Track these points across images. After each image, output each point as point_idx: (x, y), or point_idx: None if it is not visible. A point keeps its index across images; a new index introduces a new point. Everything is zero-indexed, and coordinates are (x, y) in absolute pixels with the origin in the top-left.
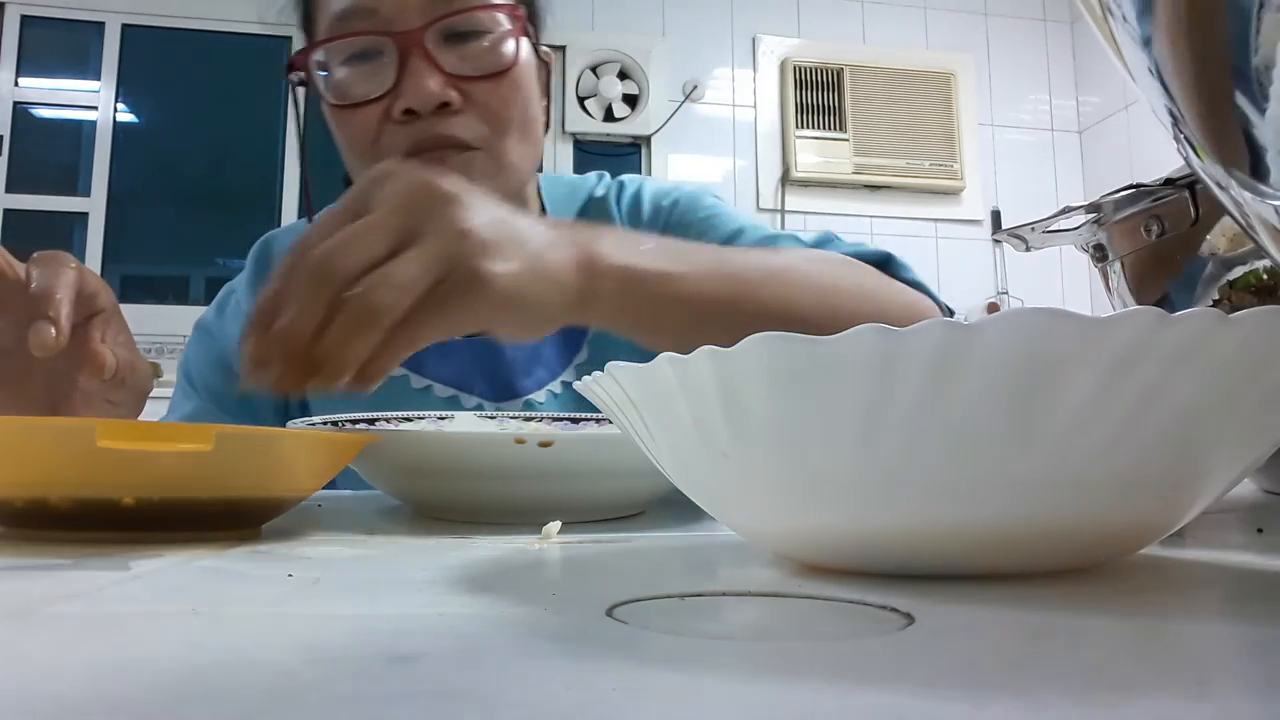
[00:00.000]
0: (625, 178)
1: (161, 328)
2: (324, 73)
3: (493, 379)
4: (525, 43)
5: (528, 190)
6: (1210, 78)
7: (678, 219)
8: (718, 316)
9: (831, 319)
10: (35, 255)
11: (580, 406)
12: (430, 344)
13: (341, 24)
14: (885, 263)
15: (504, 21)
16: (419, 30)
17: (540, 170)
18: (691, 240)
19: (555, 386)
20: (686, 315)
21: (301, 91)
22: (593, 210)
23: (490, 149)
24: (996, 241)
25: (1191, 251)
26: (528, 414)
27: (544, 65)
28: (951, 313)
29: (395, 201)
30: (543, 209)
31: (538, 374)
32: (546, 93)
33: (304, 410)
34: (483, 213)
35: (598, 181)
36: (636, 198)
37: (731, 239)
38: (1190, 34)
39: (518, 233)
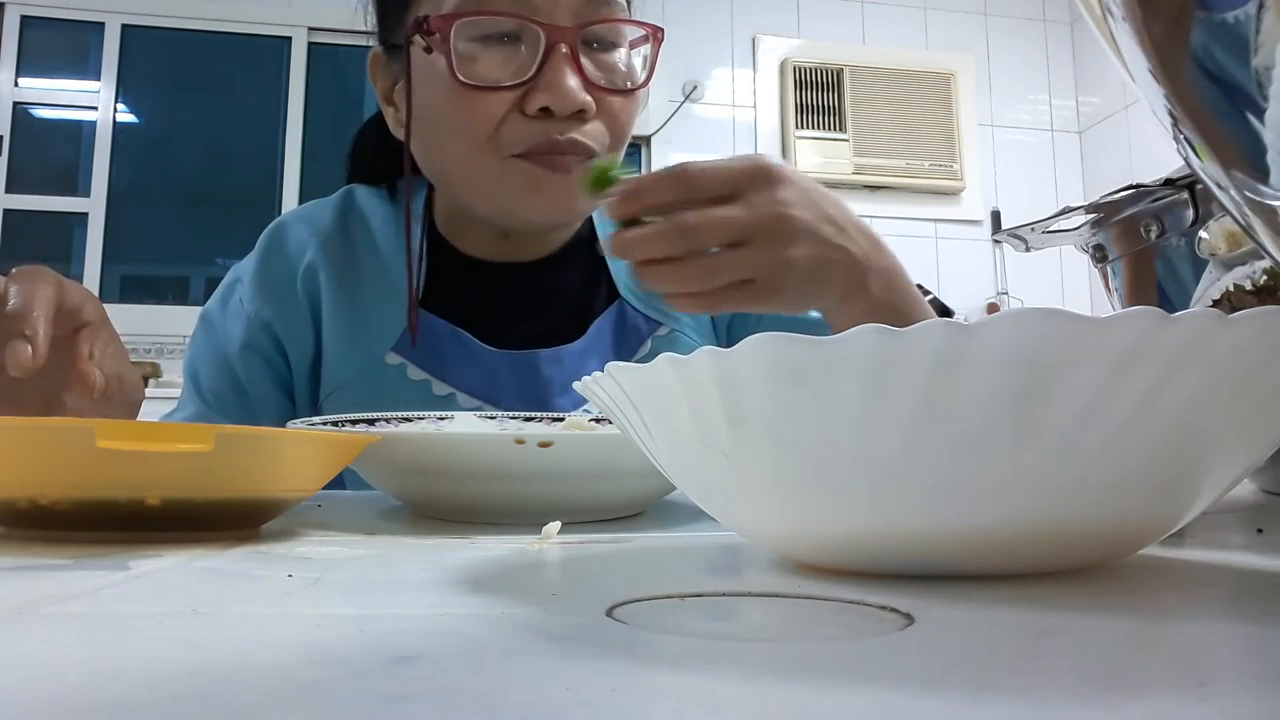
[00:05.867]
0: None
1: (161, 328)
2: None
3: (525, 394)
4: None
5: None
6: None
7: None
8: None
9: None
10: (14, 271)
11: None
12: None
13: None
14: None
15: (642, 39)
16: (573, 29)
17: None
18: None
19: (593, 408)
20: None
21: (419, 52)
22: None
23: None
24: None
25: None
26: (528, 414)
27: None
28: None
29: (741, 165)
30: None
31: (575, 394)
32: None
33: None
34: (799, 205)
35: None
36: None
37: None
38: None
39: (818, 228)
